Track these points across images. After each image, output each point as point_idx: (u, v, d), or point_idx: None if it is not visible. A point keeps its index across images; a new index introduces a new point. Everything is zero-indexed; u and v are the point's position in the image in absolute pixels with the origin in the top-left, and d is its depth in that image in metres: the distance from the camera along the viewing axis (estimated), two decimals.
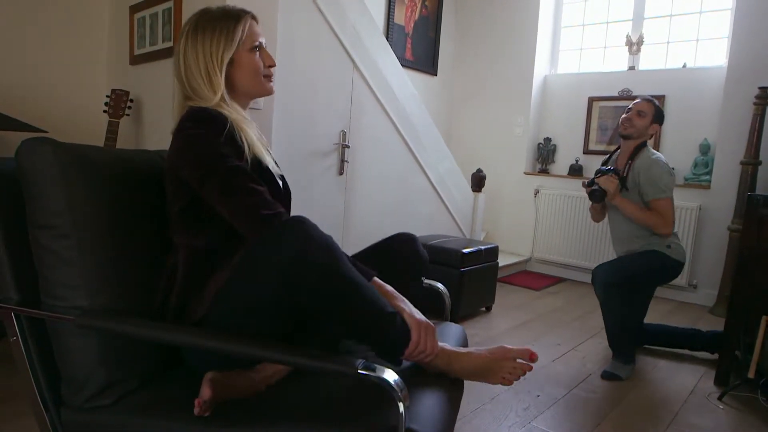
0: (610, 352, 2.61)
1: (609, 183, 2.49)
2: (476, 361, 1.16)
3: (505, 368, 1.15)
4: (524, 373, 1.15)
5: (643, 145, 2.56)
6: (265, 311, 1.03)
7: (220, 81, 1.20)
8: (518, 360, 1.16)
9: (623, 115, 2.58)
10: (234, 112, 1.20)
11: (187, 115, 1.15)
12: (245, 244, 1.11)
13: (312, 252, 0.97)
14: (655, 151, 2.55)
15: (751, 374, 2.17)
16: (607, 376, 2.42)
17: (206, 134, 1.12)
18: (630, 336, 2.50)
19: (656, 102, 2.57)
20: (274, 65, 1.30)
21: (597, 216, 2.77)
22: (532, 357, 1.15)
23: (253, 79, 1.26)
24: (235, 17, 1.23)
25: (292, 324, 1.09)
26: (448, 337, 1.42)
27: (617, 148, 2.68)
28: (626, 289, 2.44)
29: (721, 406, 2.19)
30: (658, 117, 2.54)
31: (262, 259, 1.00)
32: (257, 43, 1.26)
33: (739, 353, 2.33)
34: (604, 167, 2.64)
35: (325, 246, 1.00)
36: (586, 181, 2.64)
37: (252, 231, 1.06)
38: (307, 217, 1.03)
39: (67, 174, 1.04)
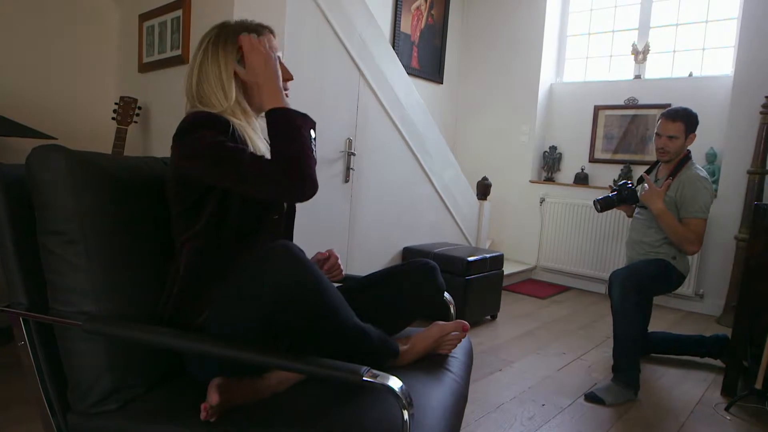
0: None
1: (652, 197, 2.46)
2: (424, 346, 1.34)
3: (446, 342, 1.38)
4: (460, 341, 1.41)
5: (687, 158, 2.53)
6: (255, 336, 1.04)
7: (233, 91, 1.21)
8: (453, 333, 1.38)
9: (655, 138, 2.55)
10: (242, 120, 1.21)
11: (187, 119, 1.16)
12: (242, 257, 1.13)
13: (300, 280, 1.00)
14: (700, 167, 2.51)
15: (758, 385, 2.15)
16: (590, 398, 2.26)
17: (207, 133, 1.12)
18: (637, 351, 2.37)
19: (684, 113, 2.49)
20: (291, 79, 1.31)
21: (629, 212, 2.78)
22: (464, 328, 1.40)
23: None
24: (254, 31, 1.24)
25: (285, 342, 1.11)
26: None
27: (656, 163, 2.69)
28: (643, 296, 2.39)
29: (728, 417, 2.17)
30: (691, 127, 2.49)
31: (254, 285, 1.01)
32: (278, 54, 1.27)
33: (746, 363, 2.31)
34: (628, 183, 2.69)
35: (311, 273, 1.02)
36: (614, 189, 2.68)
37: (290, 191, 1.09)
38: (292, 242, 1.06)
39: (76, 181, 1.05)
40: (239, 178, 1.08)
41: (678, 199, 2.46)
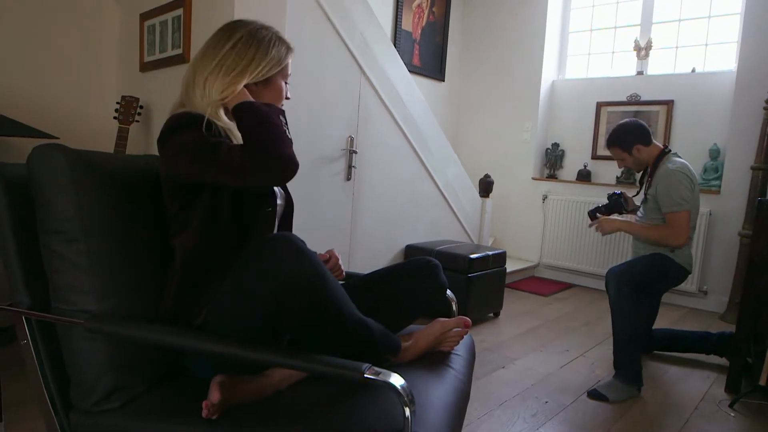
0: None
1: (607, 224, 2.56)
2: (426, 343, 1.33)
3: (448, 339, 1.37)
4: (462, 338, 1.39)
5: (664, 154, 2.53)
6: (256, 328, 1.03)
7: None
8: (454, 329, 1.37)
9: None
10: (225, 123, 1.21)
11: (167, 122, 1.16)
12: (239, 255, 1.13)
13: (302, 270, 1.00)
14: (677, 160, 2.48)
15: (762, 381, 2.14)
16: (593, 395, 2.25)
17: (186, 132, 1.13)
18: (636, 347, 2.36)
19: (613, 137, 2.56)
20: (288, 98, 1.35)
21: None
22: (466, 324, 1.38)
23: (276, 103, 1.29)
24: (287, 47, 1.29)
25: (285, 339, 1.11)
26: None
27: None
28: (639, 291, 2.38)
29: (732, 414, 2.16)
30: (627, 145, 2.51)
31: (255, 276, 1.01)
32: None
33: (750, 360, 2.31)
34: (615, 192, 2.74)
35: (312, 263, 1.02)
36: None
37: (264, 171, 1.07)
38: (293, 234, 1.05)
39: (77, 180, 1.05)
40: (218, 169, 1.07)
41: (657, 197, 2.46)
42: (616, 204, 2.69)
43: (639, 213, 2.66)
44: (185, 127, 1.13)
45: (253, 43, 1.22)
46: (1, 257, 1.07)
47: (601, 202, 2.79)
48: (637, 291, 2.37)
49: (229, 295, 1.04)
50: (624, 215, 2.75)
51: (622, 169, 4.29)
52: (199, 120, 1.15)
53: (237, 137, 1.19)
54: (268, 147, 1.07)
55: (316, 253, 1.07)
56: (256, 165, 1.06)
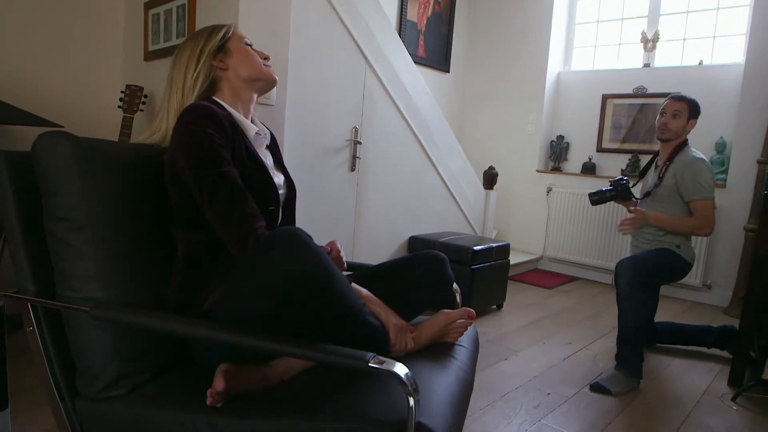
0: None
1: (642, 218, 2.51)
2: (430, 334, 1.34)
3: (452, 330, 1.37)
4: (466, 329, 1.40)
5: (684, 144, 2.54)
6: (262, 322, 1.03)
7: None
8: (459, 321, 1.37)
9: (658, 118, 2.58)
10: (234, 109, 1.27)
11: (188, 110, 1.16)
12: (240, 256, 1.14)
13: (309, 265, 1.00)
14: (697, 150, 2.52)
15: (765, 375, 2.14)
16: (596, 388, 2.25)
17: (205, 130, 1.13)
18: (641, 340, 2.35)
19: (688, 97, 2.55)
20: (267, 57, 1.38)
21: None
22: (470, 316, 1.39)
23: (253, 61, 1.34)
24: (214, 26, 1.38)
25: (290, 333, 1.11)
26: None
27: (658, 152, 2.68)
28: (648, 285, 2.38)
29: (735, 407, 2.16)
30: (694, 112, 2.53)
31: (261, 272, 1.01)
32: (246, 40, 1.36)
33: (753, 354, 2.30)
34: (623, 178, 2.70)
35: (319, 258, 1.02)
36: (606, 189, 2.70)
37: (235, 248, 1.10)
38: (299, 228, 1.05)
39: (82, 167, 1.05)
40: (207, 201, 1.10)
41: (679, 184, 2.46)
42: (625, 190, 2.65)
43: (640, 206, 2.65)
44: (210, 119, 1.15)
45: (182, 50, 1.38)
46: (8, 245, 1.07)
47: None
48: (647, 284, 2.37)
49: (235, 290, 1.04)
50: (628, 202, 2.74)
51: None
52: (223, 117, 1.18)
53: (248, 130, 1.24)
54: (251, 247, 1.08)
55: (322, 248, 1.06)
56: (231, 237, 1.10)
